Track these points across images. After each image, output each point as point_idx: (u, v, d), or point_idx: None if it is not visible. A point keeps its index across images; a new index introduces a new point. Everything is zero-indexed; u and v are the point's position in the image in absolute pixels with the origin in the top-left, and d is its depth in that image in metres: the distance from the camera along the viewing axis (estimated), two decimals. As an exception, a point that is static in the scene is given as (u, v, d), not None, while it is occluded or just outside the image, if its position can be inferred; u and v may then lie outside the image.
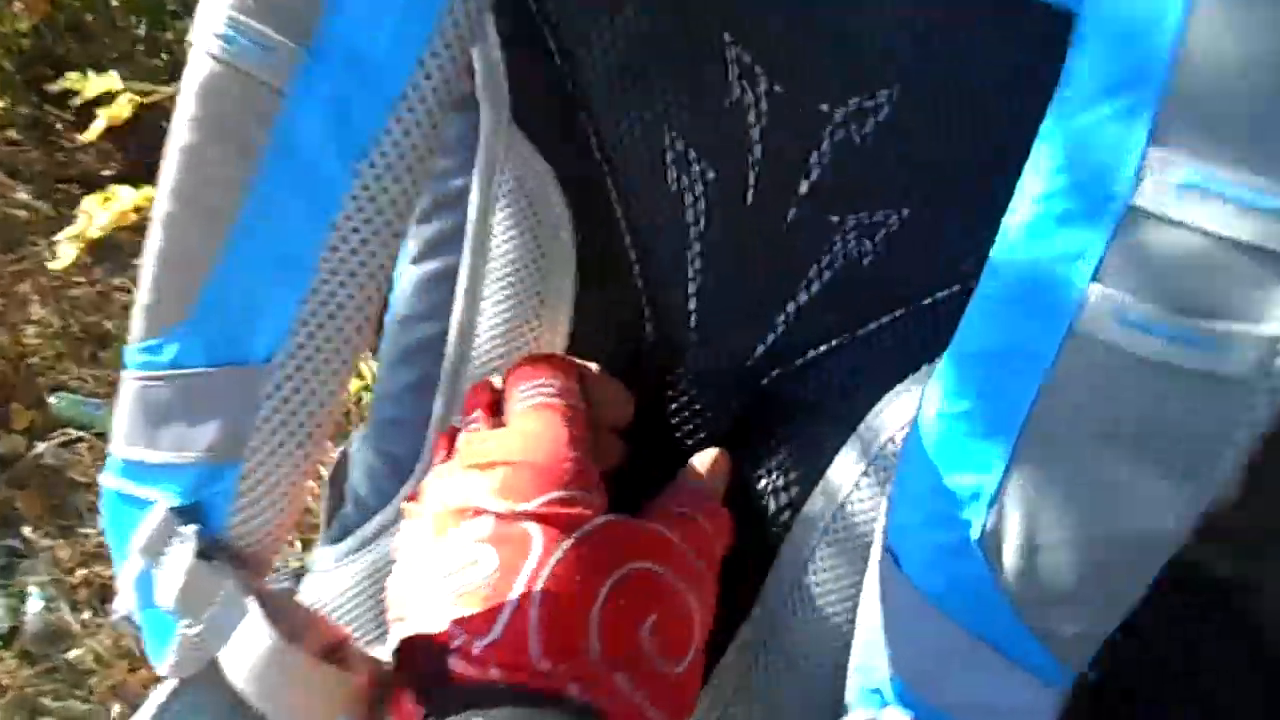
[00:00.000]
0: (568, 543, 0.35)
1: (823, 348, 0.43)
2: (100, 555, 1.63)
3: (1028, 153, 0.34)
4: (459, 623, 0.34)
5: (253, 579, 0.35)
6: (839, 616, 0.42)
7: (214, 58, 0.31)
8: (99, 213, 1.23)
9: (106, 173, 2.50)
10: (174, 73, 2.35)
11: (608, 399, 0.43)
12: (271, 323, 0.33)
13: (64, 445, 1.76)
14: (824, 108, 0.39)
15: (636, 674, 0.35)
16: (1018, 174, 0.32)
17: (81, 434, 1.77)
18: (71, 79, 1.25)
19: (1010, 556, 0.32)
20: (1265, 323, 0.27)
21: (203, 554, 0.34)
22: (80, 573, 1.59)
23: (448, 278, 0.46)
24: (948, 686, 0.35)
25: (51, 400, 1.83)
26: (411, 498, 0.43)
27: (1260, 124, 0.26)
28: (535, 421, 0.39)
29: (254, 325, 0.33)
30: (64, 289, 2.10)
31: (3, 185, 2.42)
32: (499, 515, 0.36)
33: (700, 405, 0.46)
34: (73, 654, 1.50)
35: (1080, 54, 0.28)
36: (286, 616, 0.35)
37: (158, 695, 0.44)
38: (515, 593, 0.34)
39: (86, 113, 1.38)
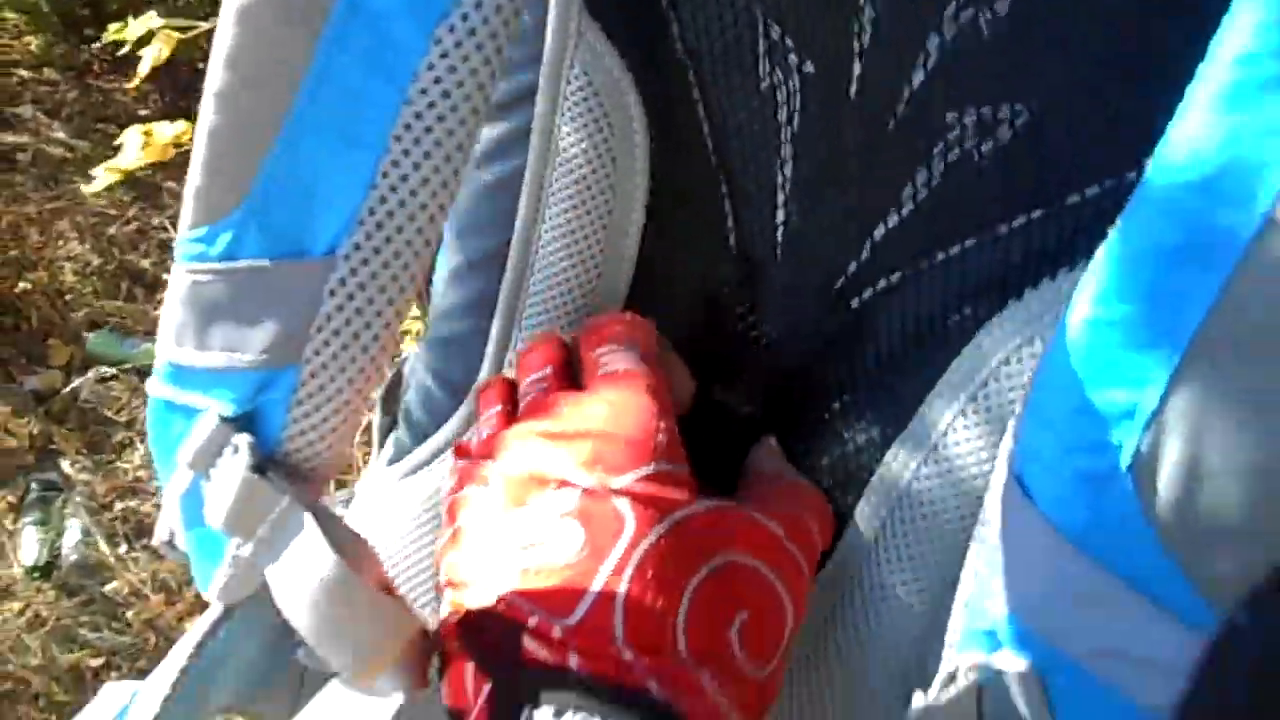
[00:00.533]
0: (663, 527, 0.32)
1: (924, 264, 0.39)
2: (136, 490, 1.62)
3: (1188, 32, 0.29)
4: (536, 600, 0.31)
5: (310, 496, 0.31)
6: (927, 569, 0.38)
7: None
8: (138, 145, 1.20)
9: (144, 112, 2.47)
10: (212, 8, 2.31)
11: (673, 375, 0.39)
12: (336, 210, 0.29)
13: (101, 381, 1.74)
14: (943, -10, 0.34)
15: (721, 675, 0.32)
16: (1176, 58, 0.28)
17: (118, 370, 1.75)
18: (113, 30, 1.22)
19: (1166, 484, 0.27)
20: None
21: (257, 468, 0.30)
22: (117, 506, 1.58)
23: (510, 185, 0.42)
24: (1076, 630, 0.31)
25: (89, 336, 1.81)
26: (463, 449, 0.39)
27: None
28: (620, 389, 0.35)
29: (317, 212, 0.29)
30: (101, 226, 2.07)
31: (40, 124, 2.40)
32: (587, 490, 0.32)
33: (780, 331, 0.42)
34: (109, 587, 1.49)
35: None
36: (345, 542, 0.31)
37: (204, 619, 0.41)
38: (602, 576, 0.31)
39: (126, 55, 1.35)
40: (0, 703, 1.39)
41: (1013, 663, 0.32)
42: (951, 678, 0.33)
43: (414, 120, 0.28)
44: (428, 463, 0.45)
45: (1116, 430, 0.28)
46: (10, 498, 1.59)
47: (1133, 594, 0.29)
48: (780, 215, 0.40)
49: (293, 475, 0.31)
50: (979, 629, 0.33)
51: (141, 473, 1.63)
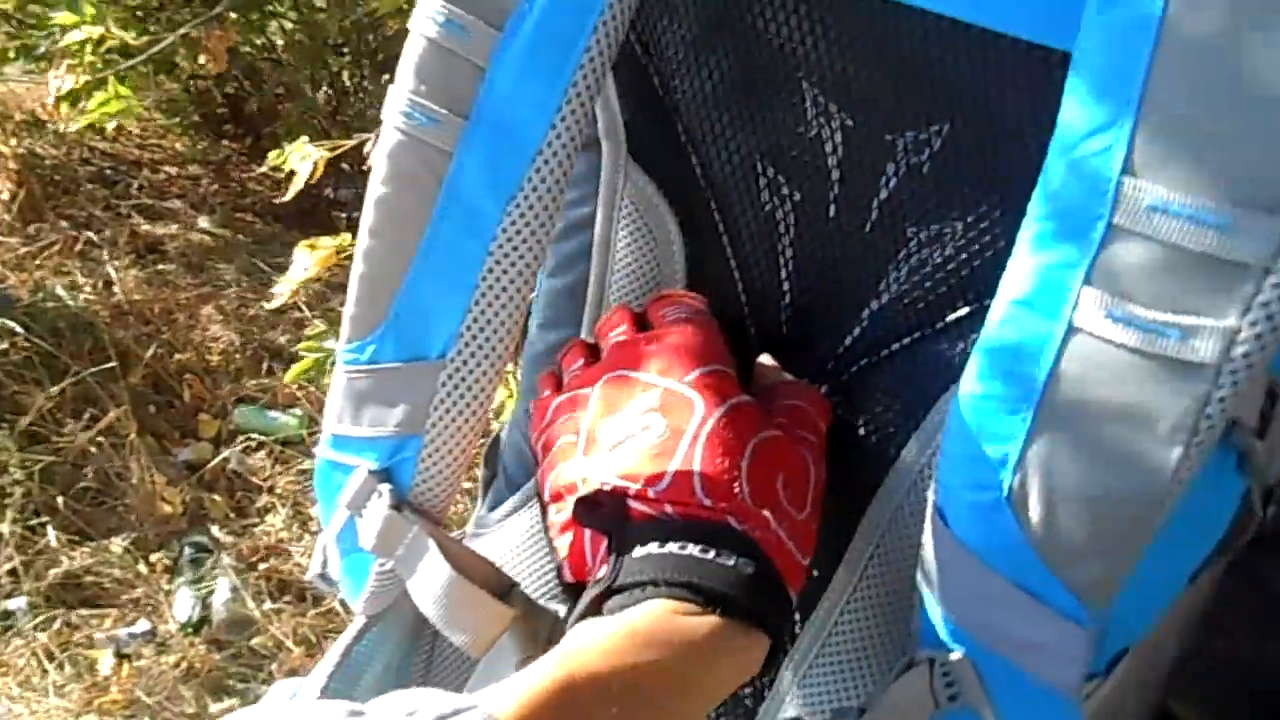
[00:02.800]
0: (722, 409, 0.45)
1: (896, 345, 0.51)
2: (278, 550, 1.81)
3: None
4: (634, 478, 0.43)
5: (432, 526, 0.45)
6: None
7: (400, 130, 0.42)
8: (307, 258, 1.39)
9: (277, 200, 2.74)
10: (335, 109, 2.57)
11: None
12: (445, 328, 0.43)
13: (246, 451, 1.96)
14: (889, 138, 0.47)
15: (776, 511, 0.44)
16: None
17: (262, 440, 1.97)
18: (273, 157, 1.43)
19: (1034, 512, 0.39)
20: (1222, 317, 0.34)
21: (395, 507, 0.45)
22: (262, 566, 1.77)
23: (577, 290, 0.56)
24: (991, 627, 0.42)
25: (235, 411, 2.04)
26: (551, 379, 0.51)
27: (1203, 159, 0.33)
28: (682, 326, 0.48)
29: (432, 330, 0.43)
30: (242, 309, 2.32)
31: (186, 216, 2.69)
32: (667, 388, 0.45)
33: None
34: (255, 640, 1.67)
35: (1070, 102, 0.36)
36: (458, 556, 0.45)
37: (349, 631, 0.56)
38: (683, 448, 0.43)
39: (258, 147, 1.56)
40: (160, 746, 1.58)
41: (951, 653, 0.43)
42: (908, 665, 0.44)
43: (495, 265, 0.42)
44: (519, 507, 0.59)
45: (998, 473, 0.39)
46: (166, 560, 1.80)
47: (1023, 595, 0.41)
48: (786, 307, 0.53)
49: (420, 511, 0.46)
50: (928, 630, 0.44)
51: (283, 535, 1.83)
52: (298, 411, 2.05)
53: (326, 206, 2.64)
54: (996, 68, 0.42)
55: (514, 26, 0.42)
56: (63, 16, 1.79)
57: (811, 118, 0.49)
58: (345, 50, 2.61)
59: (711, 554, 0.40)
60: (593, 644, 0.38)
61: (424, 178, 0.42)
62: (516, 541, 0.59)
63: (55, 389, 1.91)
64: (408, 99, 0.42)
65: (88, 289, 2.25)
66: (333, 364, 1.30)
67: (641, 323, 0.51)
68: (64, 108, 1.89)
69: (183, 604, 1.73)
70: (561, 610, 0.52)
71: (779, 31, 0.48)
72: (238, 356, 2.18)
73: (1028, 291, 0.37)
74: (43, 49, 2.12)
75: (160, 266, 2.43)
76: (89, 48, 1.78)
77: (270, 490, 1.92)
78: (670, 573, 0.40)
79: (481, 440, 0.48)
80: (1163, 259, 0.34)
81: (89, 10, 1.76)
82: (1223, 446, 0.44)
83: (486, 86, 0.41)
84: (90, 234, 2.44)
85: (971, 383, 0.40)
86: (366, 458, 0.46)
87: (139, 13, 2.09)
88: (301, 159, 1.48)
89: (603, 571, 0.42)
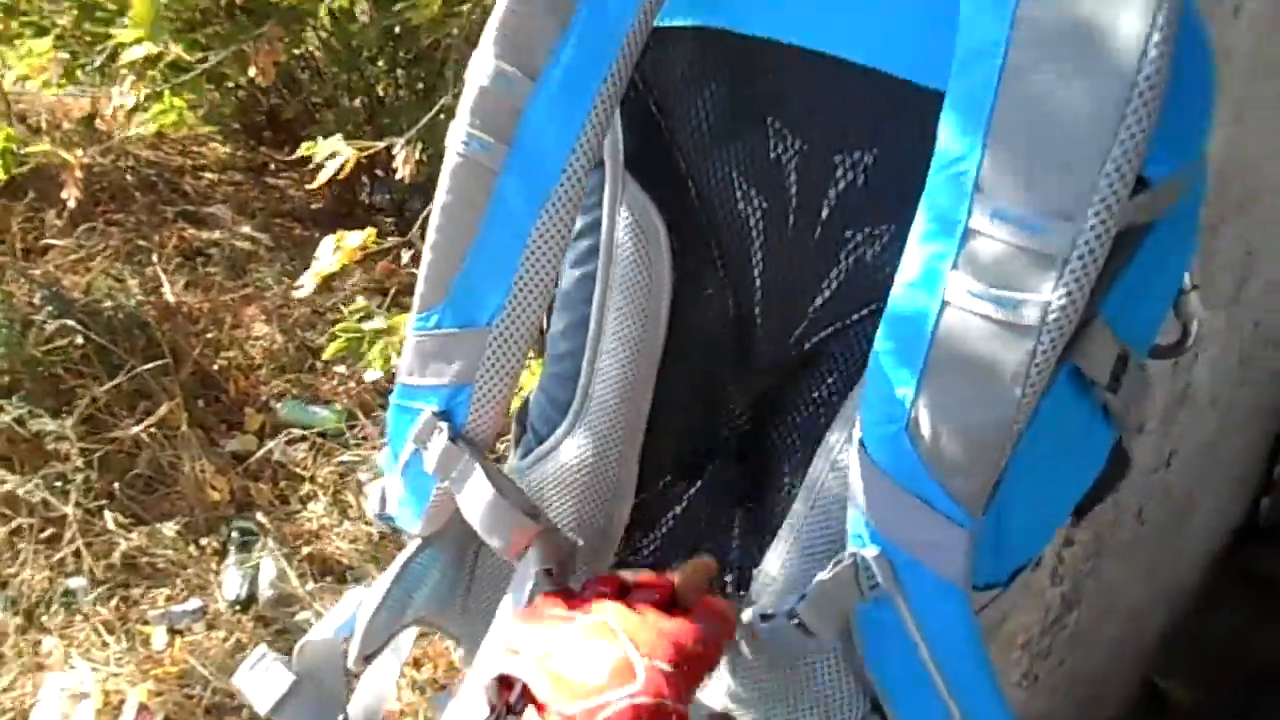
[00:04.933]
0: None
1: (841, 324, 0.67)
2: (320, 535, 1.98)
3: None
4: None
5: (479, 456, 0.62)
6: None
7: (459, 154, 0.58)
8: (331, 251, 1.56)
9: (315, 206, 2.92)
10: (370, 115, 2.74)
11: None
12: (491, 302, 0.60)
13: (289, 443, 2.14)
14: (834, 159, 0.63)
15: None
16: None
17: (304, 433, 2.14)
18: (305, 148, 1.59)
19: (925, 438, 0.54)
20: (1040, 293, 0.49)
21: (451, 439, 0.61)
22: (304, 550, 1.94)
23: (588, 279, 0.72)
24: (899, 530, 0.57)
25: (277, 405, 2.22)
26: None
27: (1027, 181, 0.48)
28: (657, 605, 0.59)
29: (481, 304, 0.60)
30: (284, 310, 2.50)
31: (228, 222, 2.88)
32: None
33: (762, 363, 0.71)
34: (299, 616, 1.84)
35: (942, 132, 0.51)
36: (498, 480, 0.61)
37: (406, 550, 0.72)
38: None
39: (300, 156, 1.72)
40: (210, 714, 1.74)
41: (870, 551, 0.58)
42: (839, 561, 0.60)
43: (529, 256, 0.59)
44: (545, 455, 0.74)
45: (900, 409, 0.55)
46: (215, 543, 1.98)
47: (921, 503, 0.56)
48: (758, 295, 0.69)
49: (470, 444, 0.62)
50: (855, 532, 0.60)
51: (324, 520, 2.00)
52: (337, 406, 2.22)
53: (362, 210, 2.82)
54: (905, 105, 0.58)
55: (545, 75, 0.58)
56: (123, 34, 1.98)
57: (775, 143, 0.64)
58: (380, 60, 2.78)
59: None
60: None
61: (476, 190, 0.58)
62: (538, 483, 0.75)
63: (111, 383, 2.10)
64: (465, 131, 0.58)
65: (138, 291, 2.43)
66: (370, 343, 1.46)
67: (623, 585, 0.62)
68: (124, 118, 2.07)
69: (231, 583, 1.90)
70: (576, 540, 0.68)
71: (751, 77, 0.64)
72: (279, 355, 2.36)
73: (915, 276, 0.53)
74: (98, 63, 2.31)
75: (205, 270, 2.62)
76: (148, 64, 1.97)
77: (311, 479, 2.09)
78: None
79: (515, 390, 0.64)
80: (1002, 251, 0.50)
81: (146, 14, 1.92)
82: (1089, 400, 0.60)
83: (524, 121, 0.58)
84: (139, 239, 2.63)
85: (881, 342, 0.56)
86: (430, 402, 0.62)
87: (187, 25, 2.27)
88: (331, 153, 1.65)
89: None
